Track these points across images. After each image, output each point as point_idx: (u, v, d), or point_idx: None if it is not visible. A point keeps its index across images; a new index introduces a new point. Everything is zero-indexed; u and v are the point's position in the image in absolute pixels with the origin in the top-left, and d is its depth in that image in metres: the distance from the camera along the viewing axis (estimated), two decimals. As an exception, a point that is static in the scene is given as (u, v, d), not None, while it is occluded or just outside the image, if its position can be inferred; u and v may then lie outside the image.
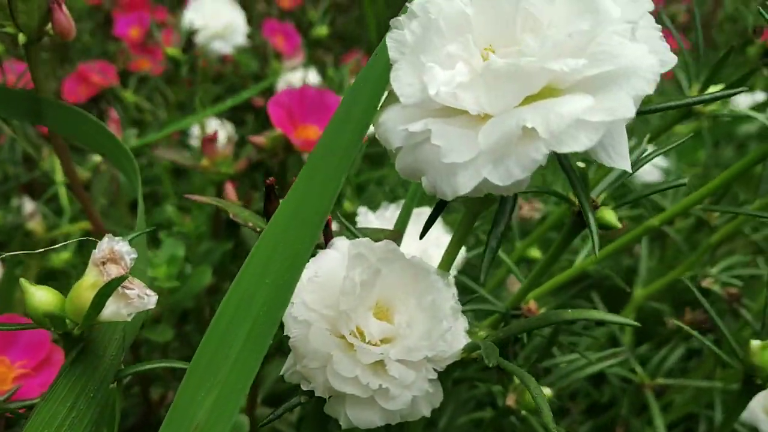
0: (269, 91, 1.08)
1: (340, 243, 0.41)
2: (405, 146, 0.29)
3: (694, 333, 0.49)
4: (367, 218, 0.63)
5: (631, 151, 0.41)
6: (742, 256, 0.74)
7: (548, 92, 0.28)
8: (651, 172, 1.04)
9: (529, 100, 0.28)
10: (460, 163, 0.27)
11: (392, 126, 0.29)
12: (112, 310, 0.37)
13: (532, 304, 0.50)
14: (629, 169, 0.28)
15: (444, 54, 0.28)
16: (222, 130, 0.88)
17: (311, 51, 1.30)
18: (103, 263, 0.38)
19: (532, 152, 0.26)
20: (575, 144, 0.25)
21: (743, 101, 1.12)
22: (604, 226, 0.41)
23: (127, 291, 0.37)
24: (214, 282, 0.79)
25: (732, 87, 0.56)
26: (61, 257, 0.79)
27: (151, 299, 0.38)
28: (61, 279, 0.80)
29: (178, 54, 0.86)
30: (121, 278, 0.36)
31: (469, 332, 0.42)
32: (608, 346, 0.70)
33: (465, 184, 0.27)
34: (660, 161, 1.09)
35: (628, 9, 0.27)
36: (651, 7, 0.28)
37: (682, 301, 0.78)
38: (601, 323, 0.76)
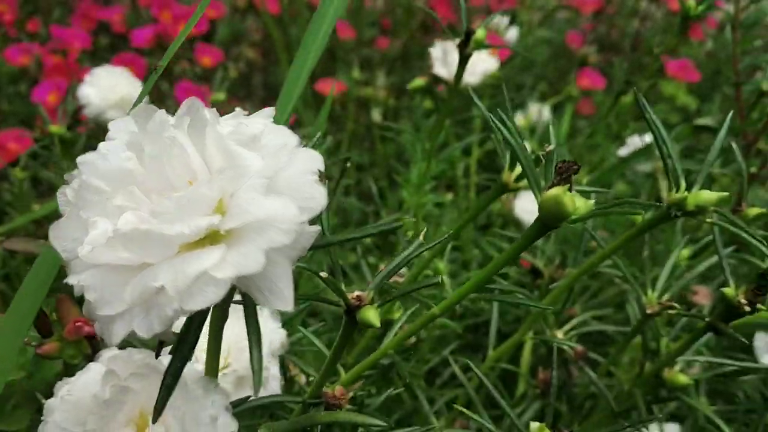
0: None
1: (105, 356, 0.41)
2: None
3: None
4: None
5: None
6: (598, 310, 0.75)
7: (216, 235, 0.29)
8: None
9: (198, 244, 0.29)
10: (113, 315, 0.27)
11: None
12: None
13: (339, 390, 0.50)
14: (290, 309, 0.28)
15: (111, 206, 0.28)
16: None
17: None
18: None
19: (166, 309, 0.26)
20: (204, 299, 0.26)
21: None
22: (366, 325, 0.42)
23: None
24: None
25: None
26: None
27: None
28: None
29: (61, 131, 0.86)
30: None
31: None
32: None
33: (118, 334, 0.27)
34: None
35: (271, 162, 0.28)
36: (304, 154, 0.29)
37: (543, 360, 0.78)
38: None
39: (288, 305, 0.29)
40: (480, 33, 0.65)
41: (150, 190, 0.29)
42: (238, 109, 0.30)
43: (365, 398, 0.62)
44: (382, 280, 0.44)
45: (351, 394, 0.52)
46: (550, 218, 0.39)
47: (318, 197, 0.29)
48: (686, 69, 1.59)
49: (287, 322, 0.58)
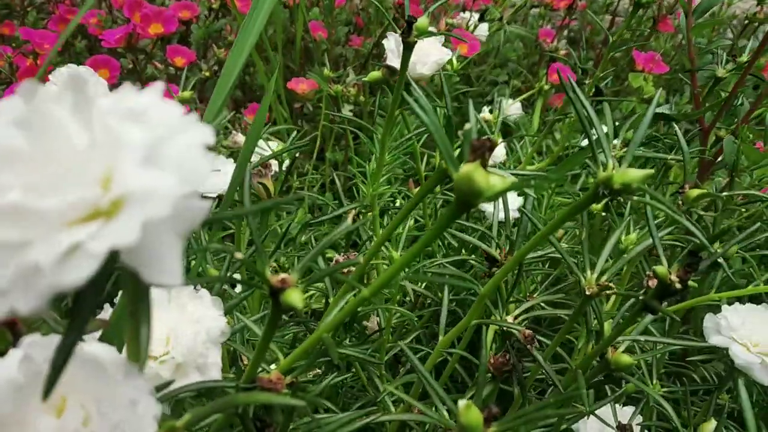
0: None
1: (25, 341, 0.41)
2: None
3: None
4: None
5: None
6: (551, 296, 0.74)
7: (103, 212, 0.28)
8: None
9: (87, 221, 0.28)
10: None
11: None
12: None
13: (275, 375, 0.50)
14: (177, 284, 0.28)
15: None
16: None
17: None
18: None
19: (40, 283, 0.26)
20: (78, 273, 0.25)
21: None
22: (289, 307, 0.41)
23: None
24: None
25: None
26: None
27: None
28: None
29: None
30: None
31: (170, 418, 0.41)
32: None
33: (1, 309, 0.27)
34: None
35: (152, 134, 0.27)
36: (191, 128, 0.28)
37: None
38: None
39: (174, 279, 0.28)
40: (422, 21, 0.65)
41: (35, 168, 0.29)
42: (126, 84, 0.30)
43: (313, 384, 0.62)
44: (307, 263, 0.43)
45: (289, 379, 0.51)
46: (465, 195, 0.39)
47: (201, 170, 0.28)
48: (655, 61, 1.59)
49: (229, 310, 0.57)
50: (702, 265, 0.51)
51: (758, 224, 0.59)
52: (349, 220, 0.45)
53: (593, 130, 0.48)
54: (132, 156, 0.27)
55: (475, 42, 1.54)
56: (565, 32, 2.00)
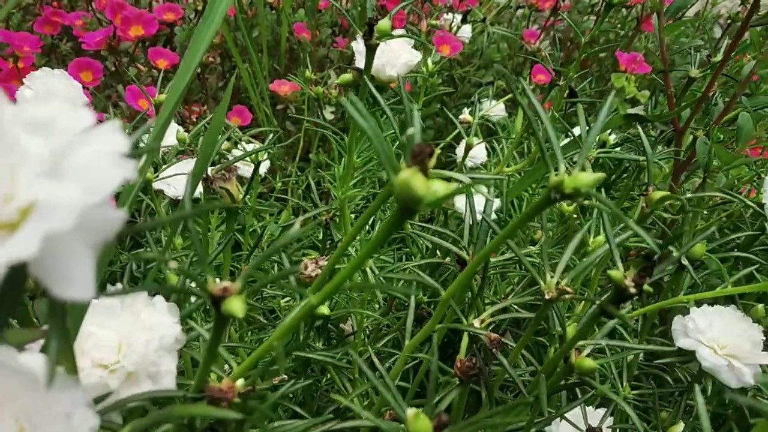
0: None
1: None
2: None
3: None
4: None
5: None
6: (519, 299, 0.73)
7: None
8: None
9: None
10: None
11: None
12: None
13: (226, 384, 0.49)
14: (88, 297, 0.27)
15: None
16: None
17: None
18: None
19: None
20: (-26, 287, 0.25)
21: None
22: (230, 316, 0.40)
23: None
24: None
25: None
26: None
27: None
28: None
29: None
30: None
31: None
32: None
33: None
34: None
35: (56, 144, 0.26)
36: (101, 135, 0.27)
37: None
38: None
39: (85, 293, 0.27)
40: (384, 23, 0.64)
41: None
42: (28, 92, 0.29)
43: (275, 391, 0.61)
44: (251, 270, 0.42)
45: (242, 387, 0.50)
46: (404, 202, 0.38)
47: (111, 179, 0.27)
48: (637, 62, 1.58)
49: (185, 317, 0.56)
50: (658, 269, 0.50)
51: (713, 228, 0.59)
52: (297, 225, 0.44)
53: (543, 133, 0.47)
54: (32, 167, 0.26)
55: (457, 43, 1.53)
56: (551, 33, 1.99)
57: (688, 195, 0.71)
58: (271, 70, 1.83)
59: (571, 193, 0.46)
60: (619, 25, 1.98)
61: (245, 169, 1.15)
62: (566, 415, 0.71)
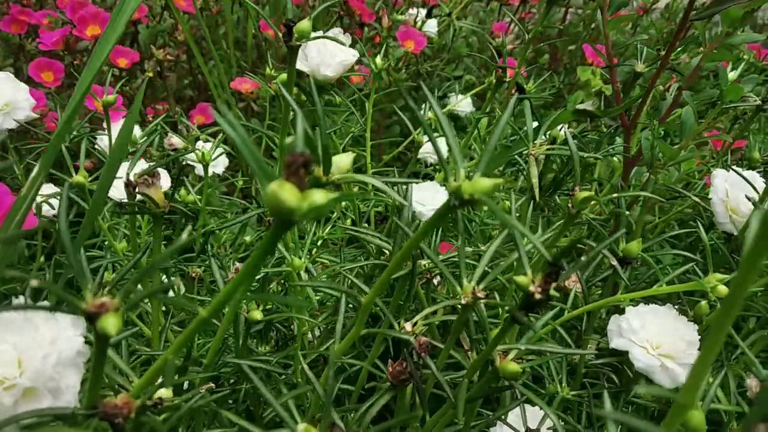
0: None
1: None
2: None
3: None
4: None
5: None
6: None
7: None
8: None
9: None
10: None
11: None
12: None
13: (122, 399, 0.47)
14: None
15: None
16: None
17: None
18: None
19: None
20: None
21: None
22: (105, 335, 0.39)
23: None
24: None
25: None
26: None
27: None
28: None
29: None
30: None
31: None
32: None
33: None
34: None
35: None
36: None
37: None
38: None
39: None
40: (304, 24, 0.62)
41: None
42: None
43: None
44: (131, 285, 0.40)
45: (141, 402, 0.48)
46: (276, 214, 0.36)
47: None
48: (600, 54, 1.56)
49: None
50: (567, 273, 0.48)
51: (623, 230, 0.57)
52: (184, 236, 0.42)
53: (449, 141, 0.45)
54: None
55: (421, 38, 1.51)
56: (513, 27, 1.96)
57: (614, 195, 0.69)
58: (239, 66, 1.81)
59: (470, 198, 0.44)
60: (587, 18, 1.96)
61: (200, 168, 1.13)
62: (510, 414, 0.70)
